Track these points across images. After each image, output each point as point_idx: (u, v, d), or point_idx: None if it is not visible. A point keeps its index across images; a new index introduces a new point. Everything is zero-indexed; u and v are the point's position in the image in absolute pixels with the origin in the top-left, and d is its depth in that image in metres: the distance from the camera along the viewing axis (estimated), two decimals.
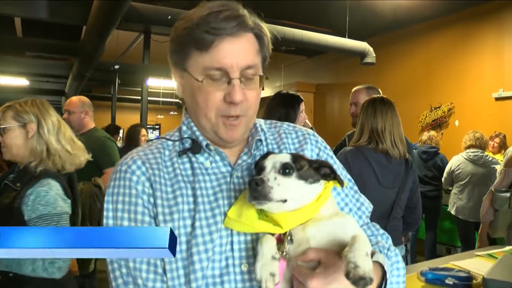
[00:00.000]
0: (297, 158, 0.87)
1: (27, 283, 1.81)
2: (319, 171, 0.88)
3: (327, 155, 1.07)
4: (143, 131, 5.49)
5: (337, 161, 1.09)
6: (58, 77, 10.81)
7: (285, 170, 0.85)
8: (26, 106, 2.00)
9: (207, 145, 0.95)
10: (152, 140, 1.03)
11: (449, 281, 1.84)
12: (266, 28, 0.98)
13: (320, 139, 1.09)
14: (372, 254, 0.84)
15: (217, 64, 0.88)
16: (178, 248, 0.87)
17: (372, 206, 1.09)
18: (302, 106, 2.88)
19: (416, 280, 1.92)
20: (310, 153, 1.03)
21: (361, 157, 2.37)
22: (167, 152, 0.97)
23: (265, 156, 0.92)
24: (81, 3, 5.89)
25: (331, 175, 0.89)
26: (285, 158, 0.87)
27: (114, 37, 7.38)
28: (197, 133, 0.96)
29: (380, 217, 2.29)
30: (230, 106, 0.90)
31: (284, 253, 0.81)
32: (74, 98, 3.54)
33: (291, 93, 2.97)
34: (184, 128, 1.00)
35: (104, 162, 3.31)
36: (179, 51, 0.93)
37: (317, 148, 1.06)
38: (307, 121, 3.01)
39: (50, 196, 1.84)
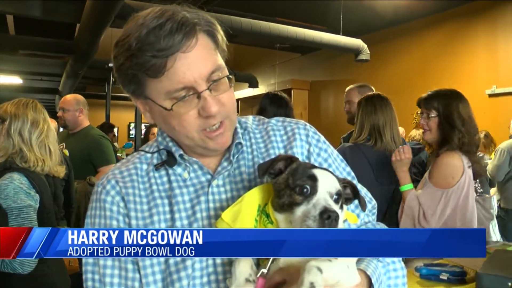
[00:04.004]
0: (338, 179, 0.78)
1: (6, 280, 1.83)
2: (344, 190, 0.79)
3: (320, 148, 0.97)
4: (154, 129, 5.41)
5: (334, 153, 1.01)
6: (52, 76, 10.75)
7: (338, 198, 0.75)
8: (8, 105, 2.10)
9: (180, 156, 0.90)
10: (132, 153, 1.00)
11: (443, 276, 1.86)
12: (210, 16, 0.88)
13: (311, 132, 0.99)
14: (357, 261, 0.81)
15: (180, 85, 0.81)
16: (156, 269, 0.85)
17: (374, 202, 1.02)
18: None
19: (410, 275, 1.93)
20: (300, 150, 0.96)
21: (359, 153, 2.40)
22: (144, 166, 0.93)
23: (287, 159, 0.81)
24: (75, 1, 5.85)
25: (352, 199, 0.82)
26: (336, 182, 0.76)
27: (108, 35, 7.33)
28: (170, 143, 0.92)
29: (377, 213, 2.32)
30: (208, 119, 0.84)
31: (266, 271, 0.74)
32: (69, 96, 3.52)
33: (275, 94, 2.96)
34: (159, 139, 0.95)
35: (98, 160, 3.30)
36: (131, 81, 0.85)
37: (307, 143, 0.97)
38: None
39: (10, 189, 1.87)
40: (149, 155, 0.95)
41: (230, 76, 0.88)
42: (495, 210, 2.42)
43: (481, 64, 6.47)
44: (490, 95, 6.29)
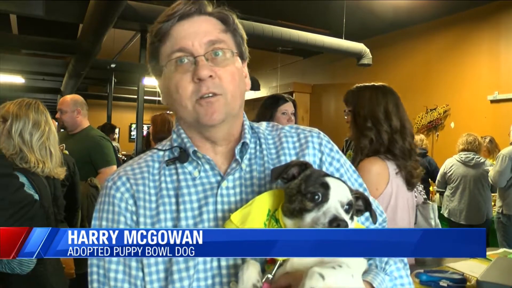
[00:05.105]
0: (351, 190, 0.78)
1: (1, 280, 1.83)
2: (356, 201, 0.79)
3: (332, 158, 0.97)
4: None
5: (346, 164, 1.00)
6: (54, 75, 10.74)
7: (349, 208, 0.75)
8: (11, 104, 2.10)
9: (194, 152, 0.90)
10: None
11: (443, 283, 1.85)
12: (236, 16, 0.94)
13: (325, 140, 0.99)
14: (365, 272, 0.81)
15: (177, 46, 0.88)
16: (160, 267, 0.85)
17: (384, 216, 1.00)
18: (285, 108, 2.78)
19: None
20: (312, 158, 0.95)
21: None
22: (156, 165, 0.93)
23: (301, 165, 0.81)
24: (78, 1, 5.86)
25: (363, 211, 0.81)
26: (347, 192, 0.76)
27: (111, 36, 7.36)
28: (186, 139, 0.92)
29: None
30: (199, 84, 0.85)
31: (271, 277, 0.74)
32: (67, 97, 3.48)
33: (273, 94, 2.97)
34: (174, 136, 0.96)
35: (99, 161, 3.29)
36: (151, 54, 0.94)
37: (319, 152, 0.96)
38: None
39: None
40: (161, 153, 0.96)
41: (234, 51, 0.91)
42: (434, 219, 2.24)
43: (484, 70, 6.48)
44: (492, 101, 6.29)
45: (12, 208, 1.73)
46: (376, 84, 2.06)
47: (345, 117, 2.11)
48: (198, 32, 0.88)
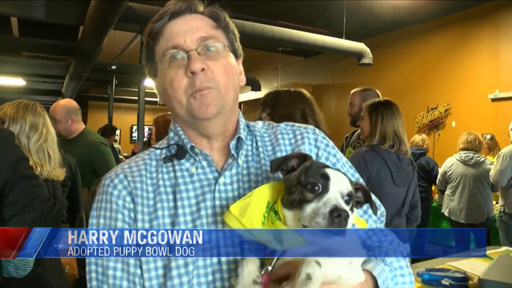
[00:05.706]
0: (350, 181, 0.77)
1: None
2: (356, 193, 0.79)
3: (328, 153, 0.98)
4: None
5: (342, 159, 1.00)
6: (55, 78, 10.77)
7: (349, 199, 0.74)
8: (8, 106, 2.08)
9: (192, 148, 0.91)
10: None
11: (445, 281, 1.85)
12: (227, 15, 0.96)
13: (321, 136, 1.00)
14: (364, 262, 0.81)
15: (171, 43, 0.89)
16: (159, 264, 0.84)
17: (382, 209, 1.00)
18: None
19: None
20: (308, 153, 0.92)
21: (378, 157, 2.43)
22: (154, 163, 0.94)
23: (300, 157, 0.81)
24: (78, 3, 5.87)
25: (362, 203, 0.80)
26: (347, 183, 0.76)
27: (111, 37, 7.36)
28: (183, 136, 0.93)
29: (392, 215, 2.40)
30: (193, 78, 0.87)
31: (270, 269, 0.74)
32: (60, 105, 3.34)
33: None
34: (171, 134, 0.97)
35: (102, 169, 3.18)
36: (147, 56, 0.95)
37: (315, 147, 0.97)
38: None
39: None
40: (158, 151, 0.97)
41: (227, 45, 0.93)
42: None
43: (484, 69, 6.47)
44: (493, 100, 6.29)
45: (41, 208, 1.74)
46: (292, 89, 2.22)
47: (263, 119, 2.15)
48: (190, 29, 0.90)
